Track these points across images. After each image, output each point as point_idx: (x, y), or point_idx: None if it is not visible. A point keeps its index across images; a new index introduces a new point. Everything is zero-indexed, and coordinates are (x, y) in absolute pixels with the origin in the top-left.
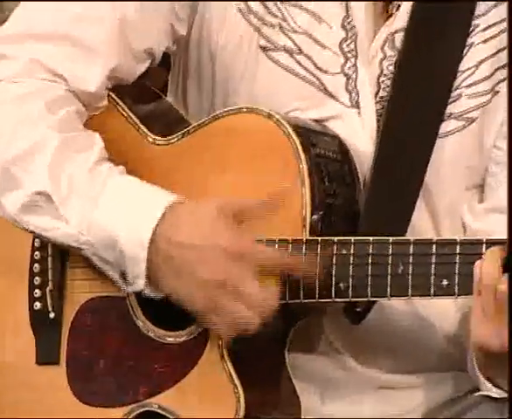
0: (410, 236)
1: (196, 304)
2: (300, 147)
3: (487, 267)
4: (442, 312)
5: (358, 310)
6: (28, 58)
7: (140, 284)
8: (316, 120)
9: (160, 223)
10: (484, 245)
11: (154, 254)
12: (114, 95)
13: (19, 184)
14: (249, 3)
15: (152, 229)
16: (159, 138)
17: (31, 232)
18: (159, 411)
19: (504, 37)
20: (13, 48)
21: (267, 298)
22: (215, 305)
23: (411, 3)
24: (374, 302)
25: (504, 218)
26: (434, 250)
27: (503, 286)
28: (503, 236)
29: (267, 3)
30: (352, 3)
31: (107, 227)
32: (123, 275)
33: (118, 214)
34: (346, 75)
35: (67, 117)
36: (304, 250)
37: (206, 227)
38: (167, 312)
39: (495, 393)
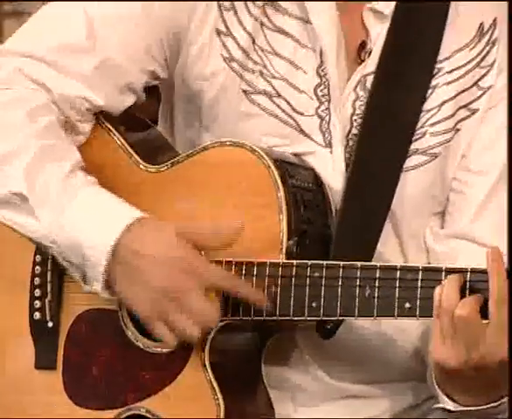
0: (378, 258)
1: (143, 309)
2: (278, 178)
3: (447, 293)
4: (404, 330)
5: (328, 327)
6: (12, 67)
7: (97, 286)
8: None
9: (123, 236)
10: (444, 272)
11: (113, 262)
12: (109, 125)
13: None
14: (231, 51)
15: (115, 240)
16: (150, 166)
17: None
18: (145, 414)
19: (465, 79)
20: (1, 60)
21: (209, 314)
22: (159, 313)
23: (380, 49)
24: (343, 320)
25: (463, 244)
26: (398, 275)
27: (460, 311)
28: (464, 260)
29: (249, 51)
30: (325, 55)
31: (74, 232)
32: (84, 276)
33: (85, 222)
34: (320, 117)
35: (48, 125)
36: (280, 272)
37: (164, 242)
38: None
39: (452, 406)
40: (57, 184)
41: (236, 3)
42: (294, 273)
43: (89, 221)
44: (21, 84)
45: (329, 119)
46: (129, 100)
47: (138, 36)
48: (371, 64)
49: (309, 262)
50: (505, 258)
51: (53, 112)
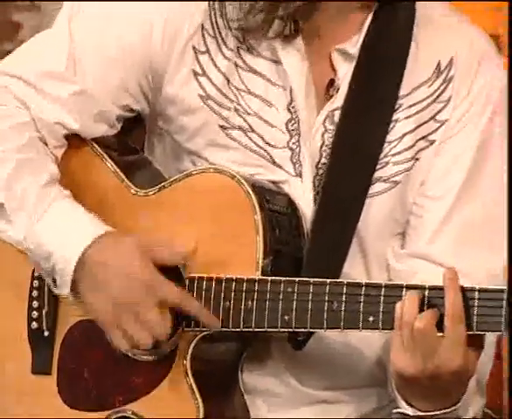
0: (345, 275)
1: (103, 317)
2: (256, 203)
3: (407, 307)
4: (368, 341)
5: (300, 338)
6: (0, 85)
7: (65, 292)
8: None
9: (88, 249)
10: (404, 289)
11: (79, 272)
12: (102, 152)
13: None
14: (207, 89)
15: (81, 252)
16: (140, 190)
17: None
18: (131, 416)
19: (424, 113)
20: None
21: (161, 327)
22: (117, 321)
23: (347, 87)
24: (313, 332)
25: (421, 263)
26: (363, 291)
27: (419, 324)
28: (421, 278)
29: (224, 90)
30: (295, 94)
31: (45, 242)
32: (54, 281)
33: (55, 233)
34: (291, 149)
35: (29, 141)
36: (256, 287)
37: (126, 256)
38: None
39: (410, 411)
40: (34, 194)
41: (210, 47)
42: (268, 288)
43: (59, 233)
44: (7, 101)
45: (299, 151)
46: (102, 129)
47: (114, 71)
48: (339, 99)
49: (283, 278)
50: (505, 259)
51: (36, 130)
